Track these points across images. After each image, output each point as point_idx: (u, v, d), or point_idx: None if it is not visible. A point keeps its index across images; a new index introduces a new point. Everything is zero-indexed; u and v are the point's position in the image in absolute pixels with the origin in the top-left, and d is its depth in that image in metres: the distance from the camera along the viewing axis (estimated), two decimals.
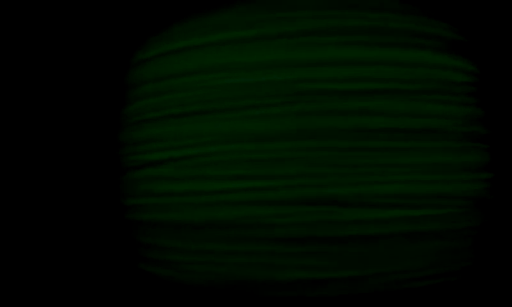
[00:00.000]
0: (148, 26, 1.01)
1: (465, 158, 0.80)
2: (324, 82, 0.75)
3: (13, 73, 1.08)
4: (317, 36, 0.77)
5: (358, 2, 0.80)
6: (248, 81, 0.77)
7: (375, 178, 0.75)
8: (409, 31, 0.79)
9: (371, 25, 0.78)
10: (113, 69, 1.06)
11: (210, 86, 0.78)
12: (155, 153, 0.81)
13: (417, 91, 0.78)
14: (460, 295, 0.98)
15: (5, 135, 1.07)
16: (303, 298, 0.80)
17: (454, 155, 0.79)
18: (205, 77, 0.78)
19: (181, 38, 0.82)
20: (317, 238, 0.75)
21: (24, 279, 1.05)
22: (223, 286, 0.80)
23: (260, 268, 0.77)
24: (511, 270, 1.02)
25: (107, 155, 1.04)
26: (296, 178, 0.75)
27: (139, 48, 0.89)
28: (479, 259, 0.86)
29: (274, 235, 0.75)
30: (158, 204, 0.81)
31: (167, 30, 0.86)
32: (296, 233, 0.75)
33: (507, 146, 1.01)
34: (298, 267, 0.76)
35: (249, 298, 0.81)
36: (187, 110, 0.79)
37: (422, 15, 0.83)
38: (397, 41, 0.78)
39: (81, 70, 1.08)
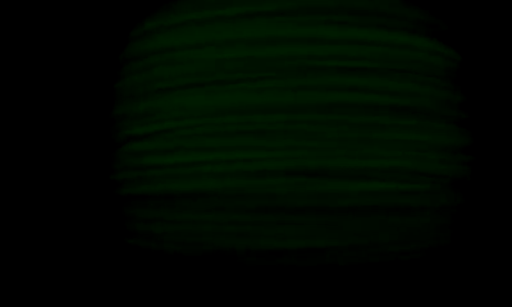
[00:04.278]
0: (142, 4, 1.01)
1: (446, 140, 0.83)
2: (311, 59, 0.78)
3: None
4: (306, 15, 0.79)
5: None
6: (237, 56, 0.78)
7: (359, 152, 0.77)
8: (393, 14, 0.82)
9: (358, 6, 0.80)
10: (109, 44, 1.07)
11: (199, 60, 0.80)
12: (141, 127, 0.83)
13: (403, 71, 0.80)
14: (435, 272, 1.00)
15: None
16: (285, 266, 0.82)
17: (435, 135, 0.82)
18: (194, 52, 0.80)
19: (172, 14, 0.84)
20: (300, 208, 0.77)
21: (10, 250, 1.06)
22: (207, 255, 0.82)
23: (244, 237, 0.79)
24: (487, 250, 1.04)
25: (98, 129, 1.05)
26: (279, 150, 0.77)
27: (133, 26, 0.91)
28: (455, 238, 0.88)
29: (257, 205, 0.77)
30: (144, 177, 0.83)
31: (157, 7, 0.88)
32: (278, 203, 0.77)
33: (486, 132, 1.03)
34: (281, 236, 0.78)
35: (232, 266, 0.83)
36: (175, 84, 0.80)
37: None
38: (382, 23, 0.81)
39: (74, 47, 1.08)
